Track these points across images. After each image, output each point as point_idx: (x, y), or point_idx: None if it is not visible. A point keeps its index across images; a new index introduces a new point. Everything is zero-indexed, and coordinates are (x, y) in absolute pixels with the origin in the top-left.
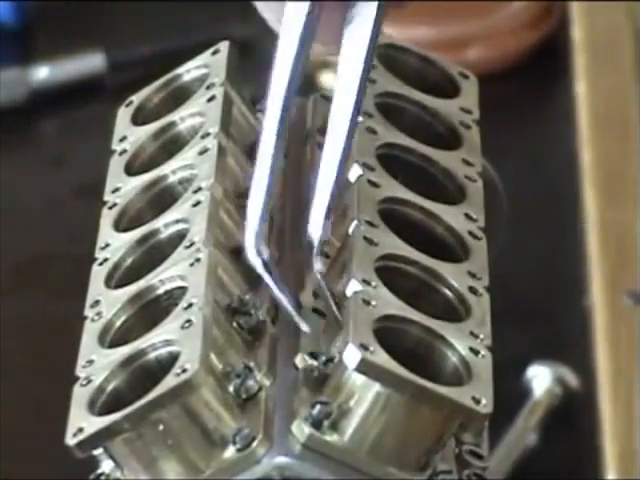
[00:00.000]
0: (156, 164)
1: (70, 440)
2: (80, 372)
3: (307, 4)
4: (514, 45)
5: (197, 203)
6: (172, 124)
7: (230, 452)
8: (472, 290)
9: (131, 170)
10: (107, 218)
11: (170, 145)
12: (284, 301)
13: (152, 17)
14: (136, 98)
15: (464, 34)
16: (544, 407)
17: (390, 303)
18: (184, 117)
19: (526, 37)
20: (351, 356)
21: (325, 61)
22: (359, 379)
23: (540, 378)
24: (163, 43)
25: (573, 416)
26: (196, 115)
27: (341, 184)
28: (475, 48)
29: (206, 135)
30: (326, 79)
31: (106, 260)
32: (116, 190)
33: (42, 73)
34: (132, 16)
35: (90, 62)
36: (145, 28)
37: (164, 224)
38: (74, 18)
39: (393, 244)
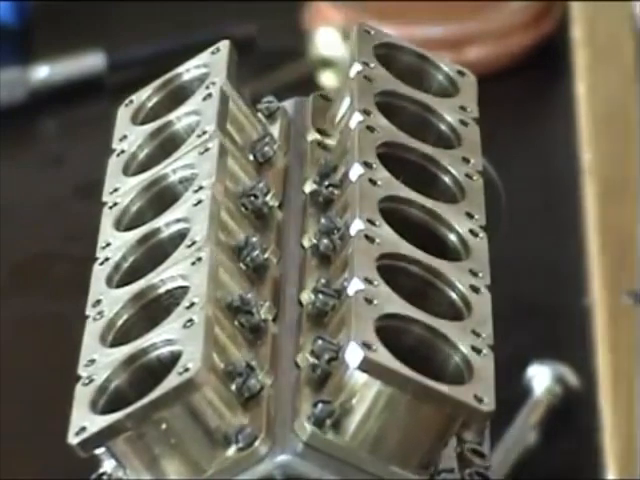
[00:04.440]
0: (154, 164)
1: (72, 439)
2: (82, 371)
3: None
4: (514, 45)
5: (198, 202)
6: (169, 123)
7: (232, 451)
8: (473, 288)
9: (129, 170)
10: (108, 218)
11: (168, 145)
12: None
13: (152, 17)
14: (136, 98)
15: (464, 34)
16: (544, 406)
17: (392, 302)
18: (180, 116)
19: (526, 37)
20: (353, 355)
21: (325, 60)
22: (361, 378)
23: (540, 377)
24: (163, 43)
25: (573, 416)
26: (192, 114)
27: None
28: (475, 48)
29: (202, 133)
30: (326, 79)
31: (107, 259)
32: (114, 191)
33: (42, 73)
34: (132, 16)
35: (90, 62)
36: (145, 28)
37: (165, 223)
38: (74, 18)
39: (394, 243)
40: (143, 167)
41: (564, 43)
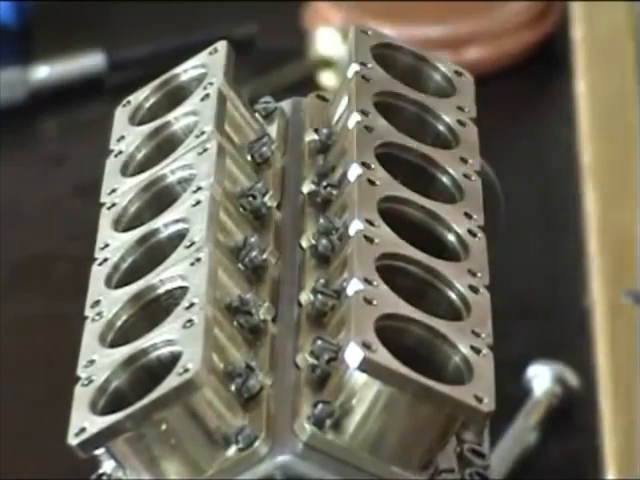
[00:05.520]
0: (152, 164)
1: (72, 440)
2: (81, 372)
3: None
4: (514, 45)
5: (197, 203)
6: (167, 124)
7: (232, 451)
8: (472, 289)
9: (127, 171)
10: (106, 218)
11: (166, 145)
12: None
13: (152, 17)
14: (133, 98)
15: (464, 34)
16: (544, 406)
17: (391, 302)
18: (178, 117)
19: (526, 37)
20: (353, 355)
21: (325, 61)
22: (361, 378)
23: (540, 377)
24: (163, 43)
25: (573, 416)
26: (190, 114)
27: None
28: (475, 48)
29: (200, 134)
30: (326, 79)
31: (106, 260)
32: (113, 191)
33: (42, 73)
34: (132, 16)
35: (90, 62)
36: (145, 28)
37: (164, 224)
38: (74, 18)
39: (393, 243)
40: (141, 168)
41: (564, 43)
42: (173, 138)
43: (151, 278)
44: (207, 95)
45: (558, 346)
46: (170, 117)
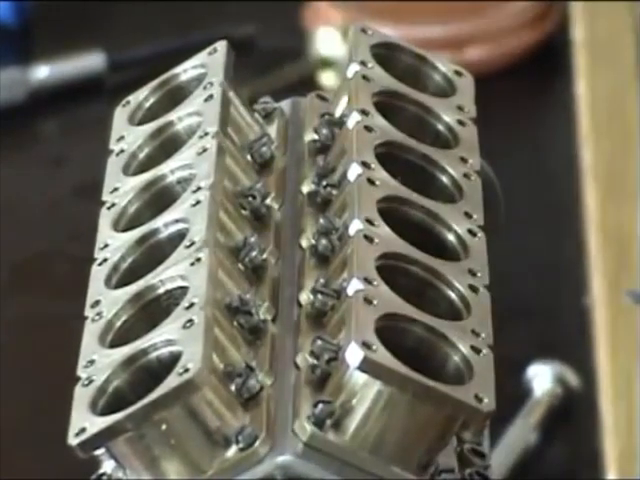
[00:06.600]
0: (154, 164)
1: (72, 440)
2: (81, 372)
3: None
4: (514, 45)
5: (197, 203)
6: (170, 124)
7: (232, 452)
8: (472, 288)
9: (129, 170)
10: (106, 218)
11: (168, 145)
12: None
13: (152, 17)
14: (133, 98)
15: (464, 34)
16: (544, 407)
17: (392, 302)
18: (182, 117)
19: (526, 37)
20: (353, 355)
21: (325, 60)
22: (361, 378)
23: (540, 377)
24: (163, 43)
25: (573, 416)
26: (194, 115)
27: None
28: (475, 48)
29: (204, 135)
30: (326, 79)
31: (105, 260)
32: (114, 190)
33: (42, 73)
34: (132, 16)
35: (90, 62)
36: (145, 28)
37: (164, 224)
38: (74, 18)
39: (393, 243)
40: (143, 167)
41: (564, 43)
42: (176, 138)
43: (151, 278)
44: (211, 96)
45: (558, 346)
46: (173, 117)
